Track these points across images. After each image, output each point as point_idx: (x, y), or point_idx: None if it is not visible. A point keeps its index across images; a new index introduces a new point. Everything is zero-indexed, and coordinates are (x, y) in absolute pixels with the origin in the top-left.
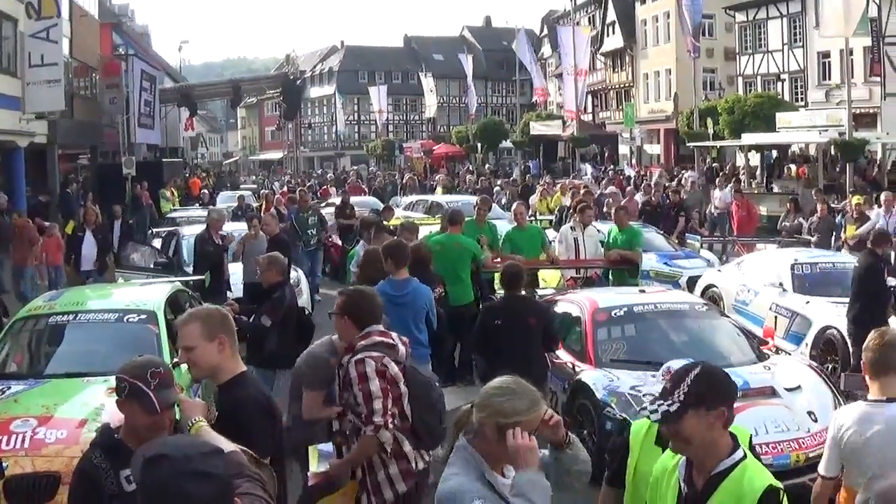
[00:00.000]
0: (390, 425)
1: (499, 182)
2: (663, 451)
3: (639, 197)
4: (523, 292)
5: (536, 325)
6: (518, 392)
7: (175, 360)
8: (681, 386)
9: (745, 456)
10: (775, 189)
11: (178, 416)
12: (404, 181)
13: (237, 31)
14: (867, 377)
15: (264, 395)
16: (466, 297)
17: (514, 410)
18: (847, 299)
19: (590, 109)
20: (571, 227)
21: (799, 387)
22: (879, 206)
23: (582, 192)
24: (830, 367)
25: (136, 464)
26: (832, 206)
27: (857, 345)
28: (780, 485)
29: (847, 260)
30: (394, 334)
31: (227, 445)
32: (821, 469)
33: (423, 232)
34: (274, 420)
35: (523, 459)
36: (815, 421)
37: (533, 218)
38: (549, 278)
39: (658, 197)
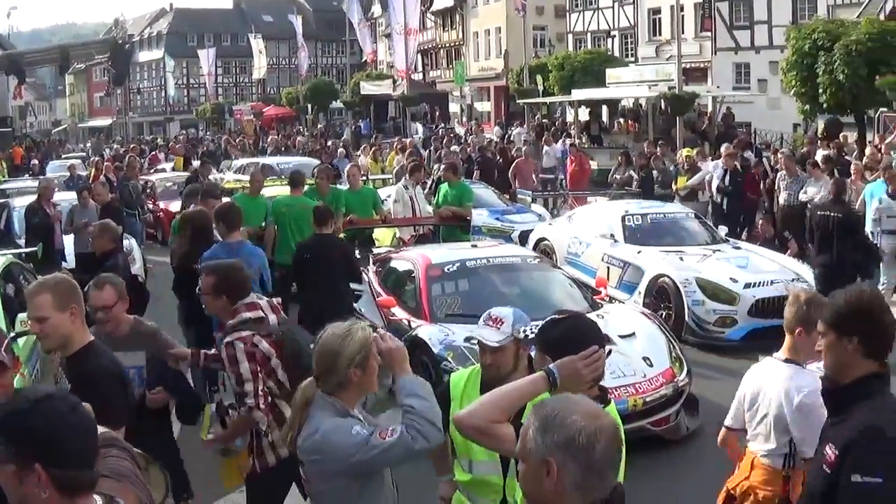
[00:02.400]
0: (262, 406)
1: (330, 142)
2: None
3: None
4: (358, 253)
5: (339, 258)
6: (344, 328)
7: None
8: (544, 324)
9: None
10: (605, 143)
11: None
12: (221, 144)
13: None
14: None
15: (116, 364)
16: None
17: (361, 345)
18: (677, 248)
19: (420, 69)
20: (405, 186)
21: (633, 333)
22: (713, 157)
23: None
24: (664, 314)
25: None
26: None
27: None
28: None
29: (677, 210)
30: (263, 303)
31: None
32: (728, 421)
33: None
34: (126, 389)
35: (397, 362)
36: (651, 366)
37: (365, 178)
38: (382, 237)
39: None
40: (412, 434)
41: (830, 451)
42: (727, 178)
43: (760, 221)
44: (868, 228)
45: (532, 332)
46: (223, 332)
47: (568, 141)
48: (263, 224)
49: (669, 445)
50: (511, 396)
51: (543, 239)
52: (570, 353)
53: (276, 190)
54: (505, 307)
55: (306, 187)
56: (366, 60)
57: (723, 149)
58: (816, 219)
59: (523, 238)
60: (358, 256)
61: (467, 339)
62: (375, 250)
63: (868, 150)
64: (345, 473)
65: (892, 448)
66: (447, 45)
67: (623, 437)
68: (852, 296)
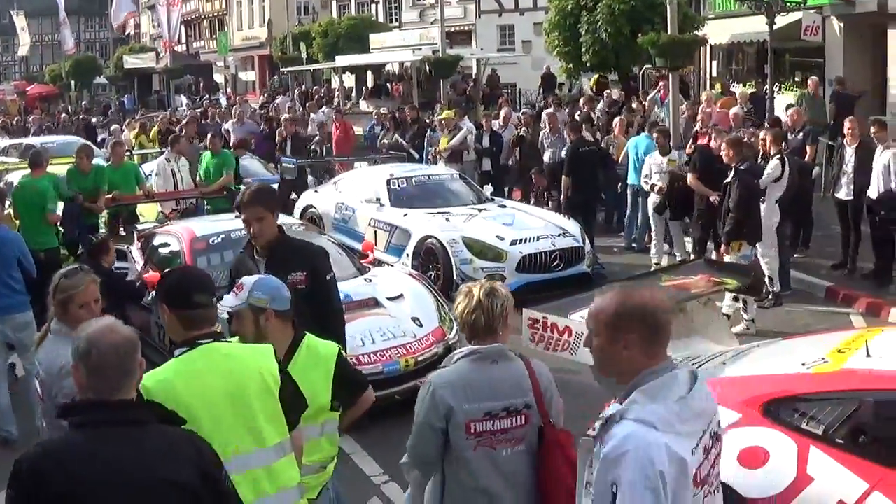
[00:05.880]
0: None
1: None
2: None
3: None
4: (123, 230)
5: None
6: (69, 273)
7: None
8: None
9: (305, 334)
10: (370, 108)
11: None
12: None
13: None
14: None
15: None
16: (50, 243)
17: (68, 286)
18: (443, 209)
19: (184, 40)
20: (167, 159)
21: (401, 295)
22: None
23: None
24: (433, 274)
25: None
26: (426, 120)
27: None
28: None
29: (441, 172)
30: None
31: None
32: None
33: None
34: None
35: None
36: (421, 326)
37: (129, 153)
38: (146, 213)
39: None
40: None
41: None
42: (485, 138)
43: (533, 174)
44: (630, 181)
45: None
46: None
47: (319, 106)
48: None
49: None
50: None
51: (310, 206)
52: (182, 300)
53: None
54: (256, 275)
55: (70, 166)
56: (129, 34)
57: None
58: (581, 155)
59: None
60: (123, 234)
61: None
62: (140, 226)
63: (634, 106)
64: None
65: None
66: (210, 14)
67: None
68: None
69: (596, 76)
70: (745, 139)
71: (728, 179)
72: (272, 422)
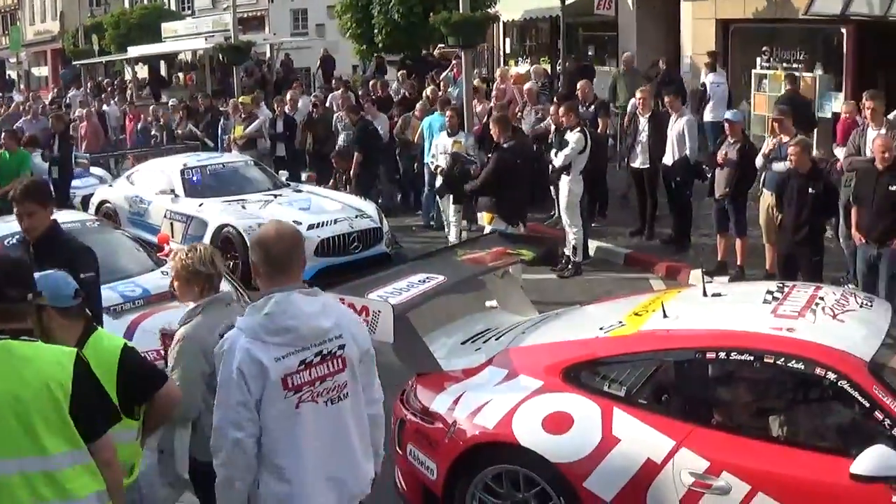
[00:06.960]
0: None
1: None
2: None
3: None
4: None
5: None
6: None
7: None
8: None
9: (95, 329)
10: (163, 98)
11: None
12: None
13: None
14: None
15: None
16: None
17: None
18: (238, 197)
19: None
20: None
21: None
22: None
23: None
24: (232, 263)
25: None
26: (221, 108)
27: None
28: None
29: (236, 159)
30: None
31: None
32: None
33: None
34: None
35: None
36: None
37: None
38: None
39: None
40: None
41: None
42: (279, 123)
43: (333, 158)
44: (427, 159)
45: None
46: None
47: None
48: None
49: None
50: None
51: (105, 202)
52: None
53: None
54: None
55: None
56: None
57: (288, 96)
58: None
59: (85, 203)
60: None
61: None
62: None
63: (430, 89)
64: None
65: None
66: (2, 10)
67: None
68: None
69: (375, 57)
70: (541, 115)
71: (490, 156)
72: (56, 432)
